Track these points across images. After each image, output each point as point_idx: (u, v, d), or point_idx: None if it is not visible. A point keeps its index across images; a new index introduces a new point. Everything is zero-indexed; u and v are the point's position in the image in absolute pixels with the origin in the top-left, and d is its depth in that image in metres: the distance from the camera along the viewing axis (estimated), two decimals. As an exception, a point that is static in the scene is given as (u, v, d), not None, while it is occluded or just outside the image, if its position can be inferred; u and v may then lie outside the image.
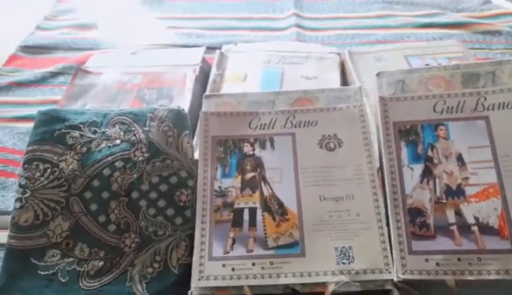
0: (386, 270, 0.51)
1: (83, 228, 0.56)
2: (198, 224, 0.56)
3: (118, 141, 0.60)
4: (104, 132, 0.61)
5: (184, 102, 0.72)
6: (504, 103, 0.56)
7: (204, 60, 0.83)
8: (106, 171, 0.58)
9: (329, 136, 0.60)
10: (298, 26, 1.04)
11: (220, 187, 0.58)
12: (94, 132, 0.61)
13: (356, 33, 1.00)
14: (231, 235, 0.55)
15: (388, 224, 0.53)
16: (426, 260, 0.50)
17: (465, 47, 0.82)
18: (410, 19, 1.03)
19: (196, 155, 0.61)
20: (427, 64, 0.78)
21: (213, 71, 0.79)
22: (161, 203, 0.57)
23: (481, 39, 0.94)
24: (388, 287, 0.50)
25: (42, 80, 0.91)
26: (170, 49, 0.97)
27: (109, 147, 0.60)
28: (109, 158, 0.59)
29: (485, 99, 0.57)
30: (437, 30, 0.98)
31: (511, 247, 0.49)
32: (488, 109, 0.56)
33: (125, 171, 0.58)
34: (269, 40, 1.00)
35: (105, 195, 0.57)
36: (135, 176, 0.58)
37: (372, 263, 0.52)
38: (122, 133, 0.61)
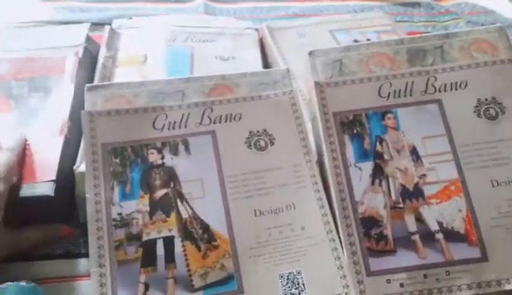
0: (346, 293, 0.41)
1: None
2: (94, 268, 0.40)
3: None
4: None
5: (65, 94, 0.54)
6: (456, 83, 0.48)
7: (89, 39, 0.65)
8: None
9: (258, 131, 0.48)
10: (205, -3, 0.89)
11: (120, 213, 0.43)
12: None
13: (272, 6, 0.88)
14: (142, 278, 0.41)
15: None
16: (388, 281, 0.41)
17: (391, 19, 0.76)
18: (328, -9, 0.93)
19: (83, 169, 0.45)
20: (355, 40, 0.69)
21: (103, 53, 0.62)
22: None
23: (402, 11, 0.87)
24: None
25: None
26: (45, 27, 0.76)
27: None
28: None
29: (436, 79, 0.48)
30: (357, 2, 0.90)
31: (480, 255, 0.42)
32: (440, 91, 0.48)
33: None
34: (172, 13, 0.84)
35: None
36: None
37: (328, 288, 0.41)
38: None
